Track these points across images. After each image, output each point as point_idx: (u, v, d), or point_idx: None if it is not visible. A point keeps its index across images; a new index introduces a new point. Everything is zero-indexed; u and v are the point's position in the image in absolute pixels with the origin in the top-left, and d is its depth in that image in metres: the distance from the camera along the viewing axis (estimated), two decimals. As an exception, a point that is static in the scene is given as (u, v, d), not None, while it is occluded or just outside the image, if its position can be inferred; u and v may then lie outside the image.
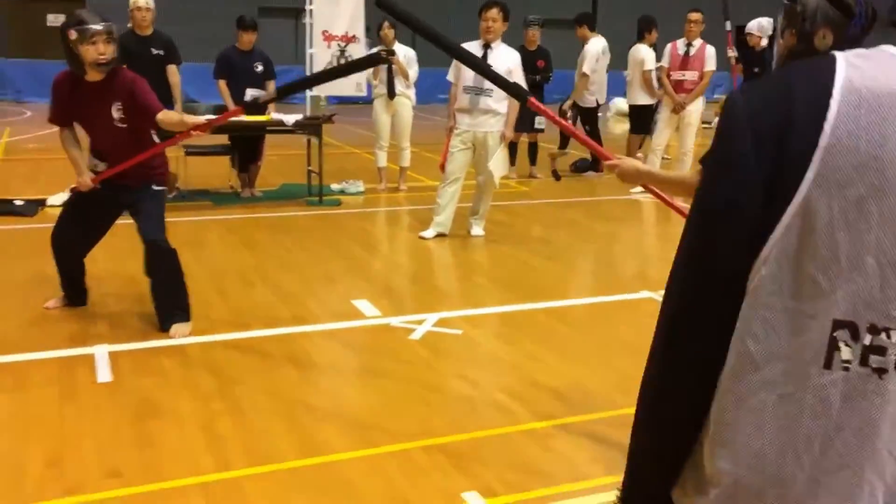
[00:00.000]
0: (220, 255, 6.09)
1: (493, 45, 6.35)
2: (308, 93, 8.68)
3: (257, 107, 4.71)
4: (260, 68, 7.98)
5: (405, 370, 4.09)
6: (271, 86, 8.10)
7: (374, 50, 6.86)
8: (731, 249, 1.11)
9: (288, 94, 4.28)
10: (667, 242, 7.08)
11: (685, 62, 8.80)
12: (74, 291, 4.79)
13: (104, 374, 3.90)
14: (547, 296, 5.28)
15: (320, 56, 8.32)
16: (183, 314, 4.49)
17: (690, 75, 8.75)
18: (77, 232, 4.59)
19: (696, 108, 8.81)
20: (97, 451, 3.19)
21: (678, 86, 8.79)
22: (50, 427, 3.37)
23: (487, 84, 6.02)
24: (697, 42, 8.79)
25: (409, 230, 7.14)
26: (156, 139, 4.60)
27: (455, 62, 6.24)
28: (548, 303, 5.15)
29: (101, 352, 4.14)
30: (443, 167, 6.64)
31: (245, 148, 8.12)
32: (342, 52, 8.36)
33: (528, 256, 6.26)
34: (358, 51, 8.44)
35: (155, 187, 4.52)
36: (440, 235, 6.62)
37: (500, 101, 6.32)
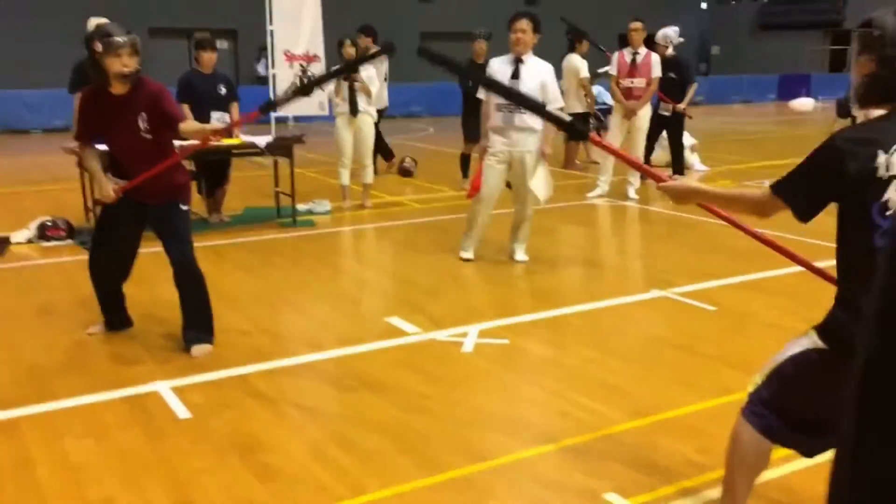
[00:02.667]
0: (224, 280, 5.96)
1: (524, 57, 6.08)
2: (272, 114, 8.57)
3: (272, 107, 4.75)
4: (223, 91, 7.84)
5: (478, 382, 4.17)
6: (235, 108, 7.97)
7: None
8: None
9: (298, 95, 4.30)
10: (651, 242, 7.41)
11: (633, 70, 9.21)
12: (116, 316, 4.76)
13: (181, 410, 3.80)
14: (569, 301, 5.45)
15: (283, 75, 8.25)
16: (207, 336, 4.52)
17: (638, 82, 9.16)
18: (113, 253, 4.57)
19: (645, 114, 9.23)
20: (222, 488, 3.13)
21: (627, 92, 9.19)
22: (158, 469, 3.28)
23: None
24: (643, 50, 9.22)
25: (401, 245, 7.18)
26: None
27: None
28: (573, 307, 5.32)
29: (164, 388, 4.03)
30: (475, 189, 6.31)
31: (211, 173, 7.95)
32: (304, 71, 8.31)
33: (529, 265, 6.42)
34: (319, 69, 8.41)
35: (182, 206, 4.48)
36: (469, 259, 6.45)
37: (535, 117, 5.88)
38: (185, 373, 4.23)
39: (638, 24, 9.31)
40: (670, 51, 10.11)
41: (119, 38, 4.14)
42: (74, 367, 4.34)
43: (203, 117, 7.68)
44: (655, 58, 9.24)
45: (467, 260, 6.39)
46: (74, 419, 3.73)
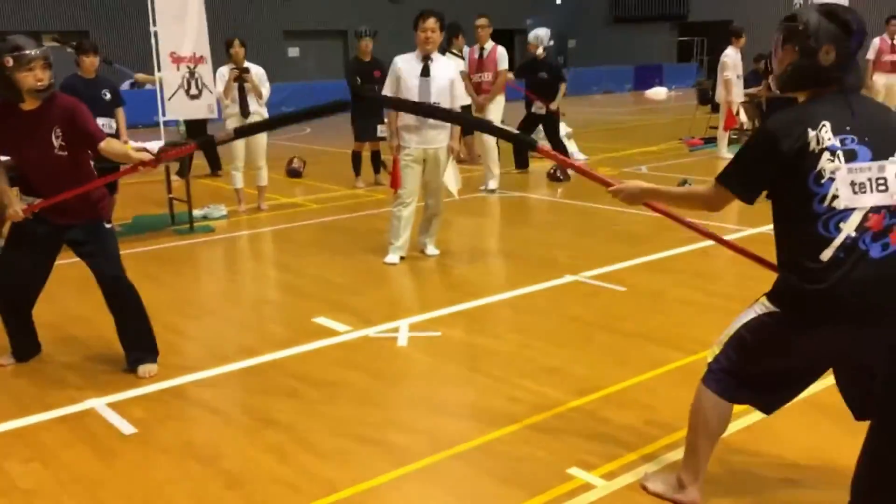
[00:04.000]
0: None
1: (432, 56, 6.15)
2: (161, 118, 8.28)
3: (211, 145, 4.57)
4: (108, 96, 7.53)
5: (423, 374, 4.26)
6: (120, 113, 7.68)
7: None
8: None
9: (247, 134, 4.25)
10: (553, 230, 7.66)
11: (480, 64, 9.60)
12: (26, 343, 4.47)
13: (124, 425, 3.67)
14: (488, 290, 5.59)
15: (170, 79, 7.99)
16: (151, 355, 4.34)
17: (487, 76, 9.57)
18: (21, 278, 4.28)
19: (496, 108, 9.60)
20: (191, 497, 3.07)
21: (477, 87, 9.61)
22: (117, 486, 3.17)
23: (434, 97, 5.95)
24: (489, 45, 9.61)
25: (309, 246, 7.12)
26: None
27: (390, 77, 6.19)
28: (494, 297, 5.47)
29: (99, 405, 3.88)
30: (394, 187, 6.34)
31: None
32: (192, 73, 8.08)
33: (441, 259, 6.52)
34: (206, 71, 8.20)
35: (105, 225, 4.29)
36: (401, 259, 6.41)
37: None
38: (118, 389, 4.08)
39: (483, 21, 9.79)
40: (540, 51, 10.50)
41: (31, 52, 3.88)
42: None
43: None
44: (501, 51, 9.64)
45: (391, 264, 6.33)
46: (10, 443, 3.54)
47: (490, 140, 9.29)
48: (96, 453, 3.43)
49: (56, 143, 4.02)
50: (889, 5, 18.52)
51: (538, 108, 10.46)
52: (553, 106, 10.33)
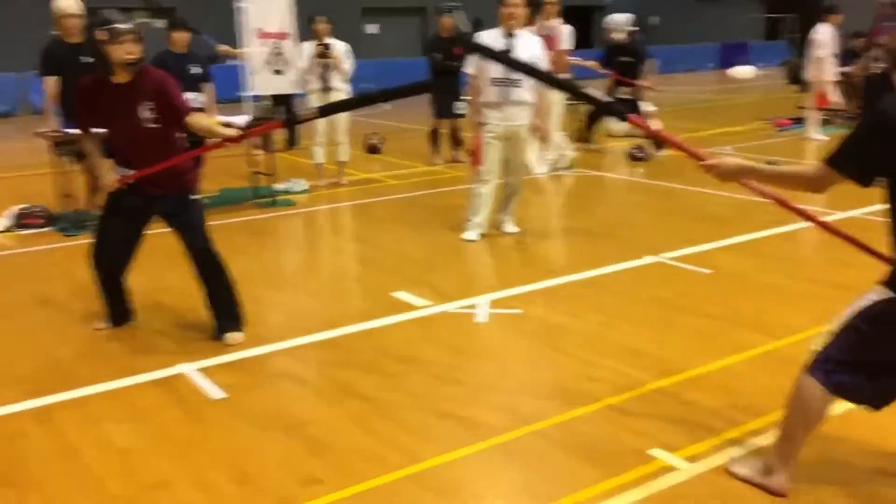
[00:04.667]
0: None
1: (516, 32, 6.06)
2: (248, 93, 8.45)
3: (295, 122, 4.65)
4: (196, 71, 7.70)
5: (502, 351, 4.27)
6: (209, 89, 7.84)
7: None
8: None
9: (329, 113, 4.28)
10: (632, 210, 7.55)
11: (549, 43, 9.39)
12: (120, 309, 4.65)
13: (213, 390, 3.79)
14: (568, 269, 5.55)
15: (255, 54, 8.13)
16: (237, 324, 4.46)
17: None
18: (116, 246, 4.44)
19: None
20: (276, 462, 3.16)
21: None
22: (206, 447, 3.28)
23: (516, 73, 5.86)
24: (555, 23, 9.29)
25: (387, 222, 7.19)
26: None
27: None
28: (574, 275, 5.43)
29: (190, 370, 4.02)
30: (476, 164, 6.30)
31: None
32: (276, 48, 8.20)
33: (519, 237, 6.50)
34: (290, 47, 8.32)
35: (192, 196, 4.42)
36: (480, 236, 6.41)
37: (529, 91, 6.08)
38: (207, 355, 4.21)
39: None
40: (622, 36, 10.28)
41: (122, 25, 4.02)
42: (93, 355, 4.29)
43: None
44: (564, 30, 9.18)
45: (470, 241, 6.33)
46: (107, 404, 3.70)
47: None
48: (187, 416, 3.56)
49: (146, 115, 4.14)
50: None
51: (624, 93, 10.28)
52: (644, 82, 10.17)
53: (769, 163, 8.32)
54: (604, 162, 10.13)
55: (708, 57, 27.88)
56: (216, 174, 8.99)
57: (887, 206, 2.52)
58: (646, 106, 11.55)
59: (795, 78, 13.51)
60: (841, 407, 3.29)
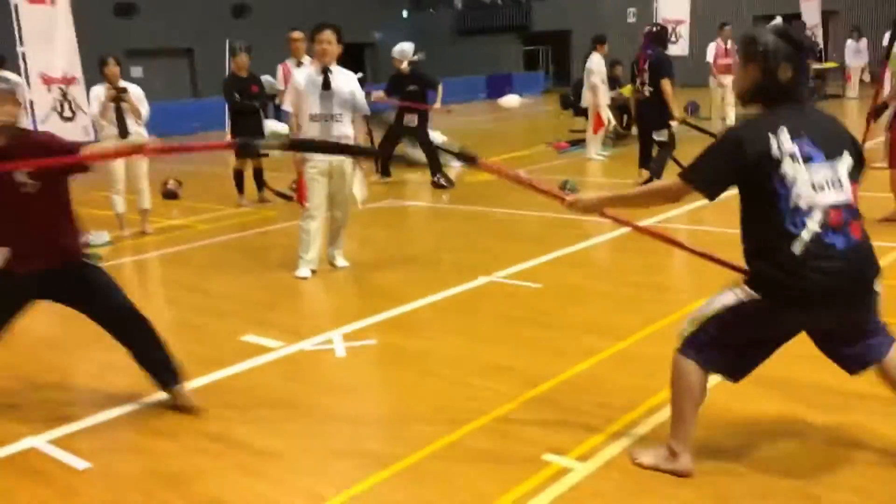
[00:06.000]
0: (38, 325, 5.43)
1: (331, 68, 6.13)
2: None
3: (250, 149, 4.28)
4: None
5: (374, 382, 4.30)
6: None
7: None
8: None
9: (302, 149, 4.11)
10: (450, 237, 7.79)
11: None
12: None
13: (74, 461, 3.50)
14: (408, 297, 5.64)
15: (41, 101, 7.58)
16: (178, 375, 4.03)
17: None
18: None
19: None
20: None
21: None
22: (90, 522, 3.03)
23: (336, 109, 5.97)
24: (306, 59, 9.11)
25: (209, 267, 6.92)
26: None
27: (290, 88, 6.19)
28: (415, 302, 5.53)
29: (39, 443, 3.67)
30: (301, 202, 6.22)
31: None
32: (64, 95, 7.69)
33: (351, 269, 6.52)
34: (79, 92, 7.83)
35: (86, 260, 3.96)
36: (313, 272, 6.34)
37: (349, 125, 6.17)
38: (51, 425, 3.86)
39: (297, 34, 9.25)
40: (405, 66, 10.67)
41: (2, 85, 3.60)
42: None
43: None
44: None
45: (304, 278, 6.28)
46: (-47, 493, 3.30)
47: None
48: (57, 492, 3.26)
49: (21, 178, 3.59)
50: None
51: (409, 121, 10.63)
52: (437, 106, 10.65)
53: (563, 184, 9.01)
54: (408, 191, 10.40)
55: (478, 88, 29.32)
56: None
57: (741, 215, 2.92)
58: (438, 135, 12.05)
59: (567, 104, 14.60)
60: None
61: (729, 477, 3.09)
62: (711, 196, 2.88)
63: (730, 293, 2.91)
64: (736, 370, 3.01)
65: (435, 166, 10.49)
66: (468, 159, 3.77)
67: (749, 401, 3.63)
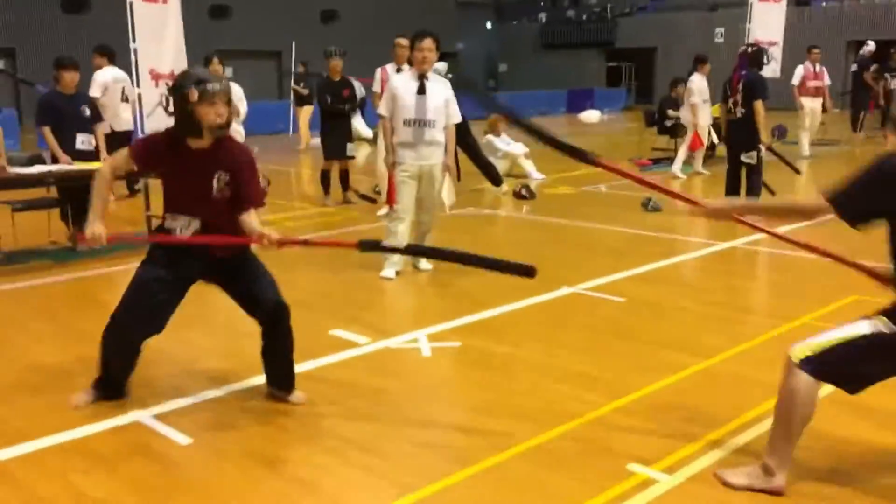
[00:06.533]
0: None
1: (428, 75, 6.31)
2: (141, 134, 8.20)
3: (373, 249, 4.40)
4: (87, 112, 7.45)
5: (458, 382, 4.41)
6: (100, 129, 7.59)
7: None
8: None
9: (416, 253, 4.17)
10: (536, 246, 7.85)
11: None
12: (117, 388, 4.09)
13: (177, 436, 3.68)
14: (490, 302, 5.71)
15: (149, 96, 7.93)
16: (292, 386, 4.14)
17: None
18: (148, 318, 3.90)
19: None
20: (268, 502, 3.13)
21: None
22: (193, 494, 3.20)
23: (430, 115, 6.15)
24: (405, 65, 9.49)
25: (295, 263, 7.10)
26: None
27: (386, 95, 6.39)
28: (497, 308, 5.60)
29: (144, 417, 3.87)
30: (390, 203, 6.38)
31: (79, 199, 7.48)
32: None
33: (434, 273, 6.64)
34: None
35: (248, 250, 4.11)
36: (397, 273, 6.48)
37: (442, 131, 6.35)
38: (158, 401, 4.07)
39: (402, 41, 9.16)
40: None
41: (216, 85, 3.72)
42: (35, 410, 4.04)
43: (68, 140, 7.30)
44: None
45: (388, 279, 6.43)
46: (67, 455, 3.52)
47: None
48: (161, 464, 3.44)
49: (216, 185, 3.80)
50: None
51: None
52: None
53: (645, 201, 8.98)
54: (488, 200, 10.50)
55: (558, 102, 29.30)
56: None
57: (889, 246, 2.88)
58: (521, 147, 12.15)
59: (651, 121, 14.51)
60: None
61: (816, 500, 3.08)
62: (854, 226, 2.81)
63: (865, 323, 2.89)
64: (853, 383, 2.98)
65: (488, 173, 10.70)
66: (589, 160, 3.76)
67: (840, 425, 3.61)
